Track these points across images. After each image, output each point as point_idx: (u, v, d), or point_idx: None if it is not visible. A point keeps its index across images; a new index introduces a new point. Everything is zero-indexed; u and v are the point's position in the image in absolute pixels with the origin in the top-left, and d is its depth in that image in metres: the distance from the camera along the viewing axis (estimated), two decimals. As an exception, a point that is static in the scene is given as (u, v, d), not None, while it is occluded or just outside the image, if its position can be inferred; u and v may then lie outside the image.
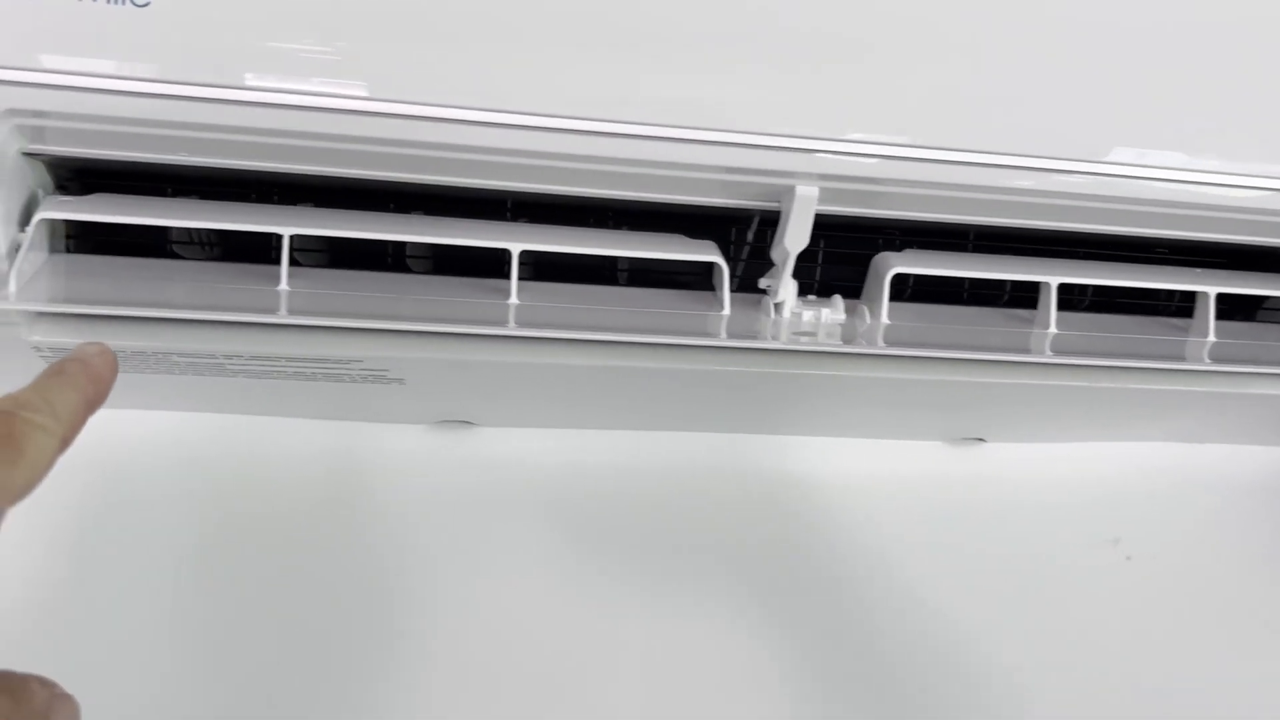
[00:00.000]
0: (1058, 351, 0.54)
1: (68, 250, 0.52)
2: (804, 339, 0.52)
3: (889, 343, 0.52)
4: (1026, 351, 0.54)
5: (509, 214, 0.57)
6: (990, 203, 0.53)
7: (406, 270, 0.57)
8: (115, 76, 0.43)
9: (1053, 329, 0.55)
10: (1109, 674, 0.71)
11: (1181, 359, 0.55)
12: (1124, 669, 0.71)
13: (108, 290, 0.47)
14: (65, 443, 0.33)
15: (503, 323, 0.50)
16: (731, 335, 0.51)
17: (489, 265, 0.55)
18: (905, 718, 0.67)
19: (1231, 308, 0.62)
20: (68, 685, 0.33)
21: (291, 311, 0.47)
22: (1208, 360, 0.56)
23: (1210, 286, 0.58)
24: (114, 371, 0.37)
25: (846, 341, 0.52)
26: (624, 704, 0.64)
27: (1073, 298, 0.64)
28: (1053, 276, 0.56)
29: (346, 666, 0.62)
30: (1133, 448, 0.76)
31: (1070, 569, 0.73)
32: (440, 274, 0.56)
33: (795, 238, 0.51)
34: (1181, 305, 0.63)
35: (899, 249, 0.58)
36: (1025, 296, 0.60)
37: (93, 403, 0.35)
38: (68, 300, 0.45)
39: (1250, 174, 0.54)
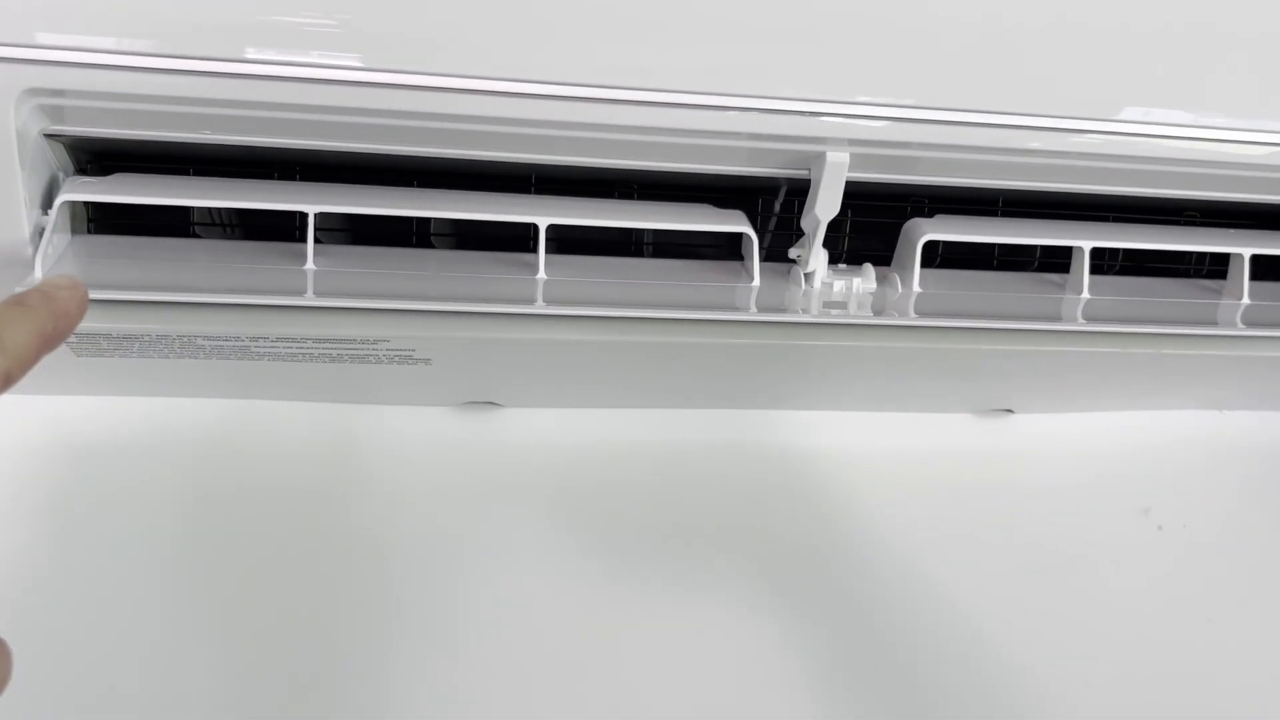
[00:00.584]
0: (1091, 319, 0.53)
1: (89, 232, 0.51)
2: (835, 311, 0.51)
3: (921, 313, 0.52)
4: (1060, 320, 0.53)
5: (533, 188, 0.56)
6: (1020, 166, 0.52)
7: (430, 247, 0.56)
8: (133, 53, 0.42)
9: (1085, 294, 0.55)
10: (1141, 644, 0.70)
11: (1215, 324, 0.54)
12: (1156, 639, 0.71)
13: (132, 274, 0.46)
14: (9, 378, 0.31)
15: (531, 300, 0.49)
16: (762, 309, 0.50)
17: (514, 240, 0.54)
18: (937, 691, 0.67)
19: (1265, 269, 0.61)
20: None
21: (318, 293, 0.47)
22: (1241, 325, 0.55)
23: (1245, 248, 0.58)
24: (81, 307, 0.34)
25: (878, 313, 0.51)
26: (660, 682, 0.64)
27: (1102, 262, 0.63)
28: (1086, 241, 0.55)
29: (384, 646, 0.62)
30: (1163, 417, 0.75)
31: (1101, 540, 0.73)
32: (465, 250, 0.56)
33: (826, 205, 0.50)
34: (1213, 269, 0.63)
35: (927, 216, 0.57)
36: (1054, 262, 0.59)
37: (51, 338, 0.33)
38: (93, 286, 0.44)
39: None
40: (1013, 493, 0.72)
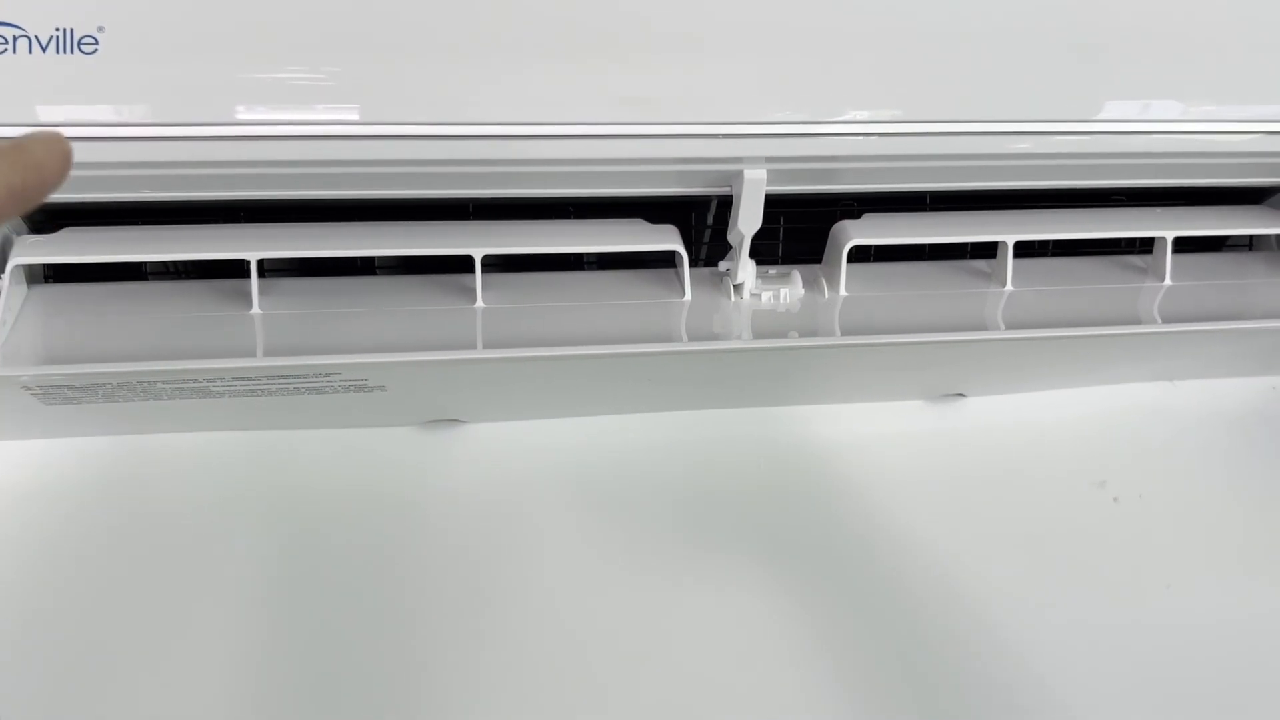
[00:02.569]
0: (1011, 325, 0.55)
1: (46, 277, 0.53)
2: (763, 339, 0.53)
3: (845, 330, 0.53)
4: (982, 327, 0.55)
5: (471, 213, 0.58)
6: (935, 170, 0.54)
7: (374, 270, 0.58)
8: (72, 124, 0.44)
9: (1009, 287, 0.57)
10: (1103, 615, 0.72)
11: (1135, 320, 0.56)
12: (1118, 610, 0.73)
13: (90, 335, 0.49)
14: None
15: (471, 344, 0.51)
16: (693, 338, 0.52)
17: (457, 260, 0.56)
18: (901, 668, 0.69)
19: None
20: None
21: (268, 352, 0.49)
22: (1159, 319, 0.57)
23: (1167, 230, 0.59)
24: (64, 162, 0.31)
25: (805, 333, 0.53)
26: (641, 684, 0.66)
27: (1035, 244, 0.65)
28: (1009, 235, 0.57)
29: (370, 670, 0.64)
30: (1113, 390, 0.77)
31: (1059, 515, 0.75)
32: (408, 272, 0.58)
33: (748, 220, 0.52)
34: (1144, 244, 0.64)
35: (859, 214, 0.59)
36: (988, 246, 0.61)
37: (21, 194, 0.30)
38: (47, 361, 0.47)
39: (1197, 119, 0.55)
40: (969, 475, 0.74)
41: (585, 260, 0.60)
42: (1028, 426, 0.76)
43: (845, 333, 0.53)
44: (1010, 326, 0.55)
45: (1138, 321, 0.56)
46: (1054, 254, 0.64)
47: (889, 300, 0.56)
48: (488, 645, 0.66)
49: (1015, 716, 0.69)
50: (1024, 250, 0.59)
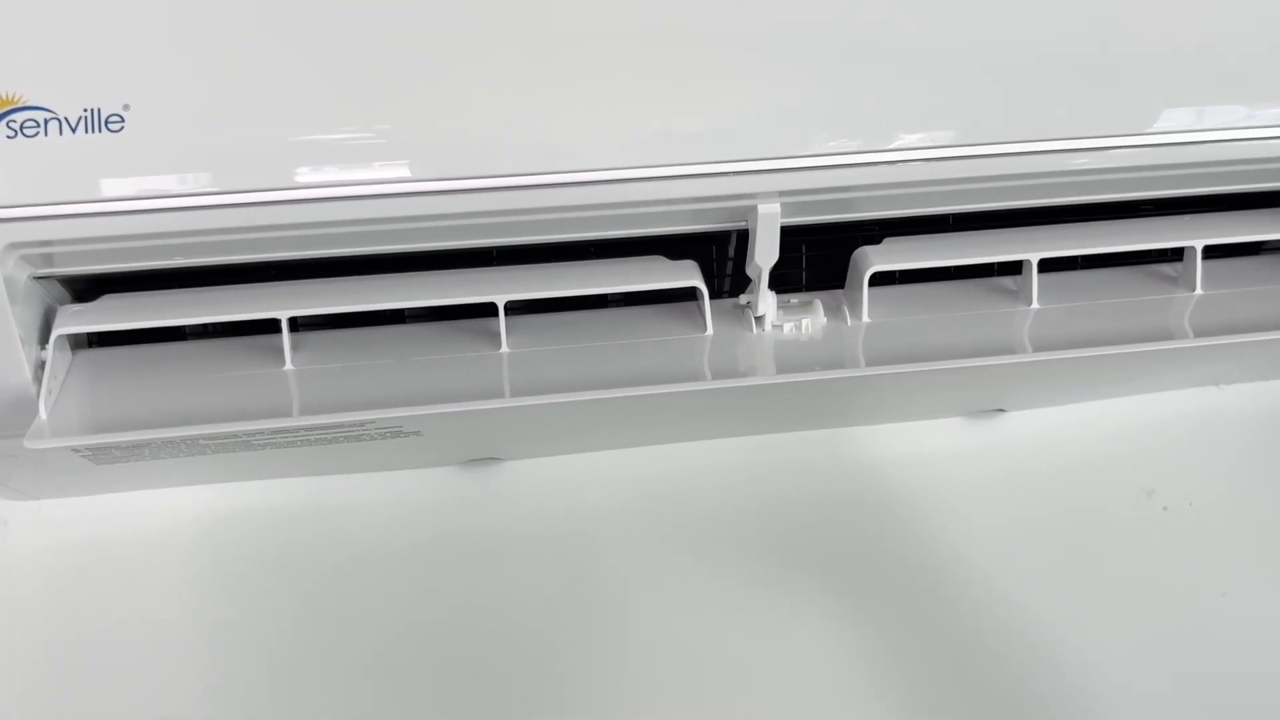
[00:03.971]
0: (1039, 345, 0.54)
1: (90, 342, 0.55)
2: (785, 373, 0.53)
3: (870, 359, 0.54)
4: (1009, 350, 0.54)
5: (494, 257, 0.59)
6: (952, 194, 0.54)
7: (402, 316, 0.60)
8: (104, 199, 0.46)
9: (1035, 305, 0.56)
10: (1158, 625, 0.71)
11: (1166, 334, 0.56)
12: (1173, 619, 0.72)
13: (133, 399, 0.50)
14: None
15: (498, 392, 0.52)
16: (716, 374, 0.53)
17: (482, 305, 0.57)
18: (954, 684, 0.69)
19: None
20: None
21: (303, 411, 0.50)
22: (1190, 332, 0.56)
23: (1197, 240, 0.59)
24: None
25: (829, 365, 0.53)
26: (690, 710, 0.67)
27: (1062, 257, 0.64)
28: (1034, 253, 0.57)
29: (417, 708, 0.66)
30: (1157, 398, 0.76)
31: (1107, 527, 0.74)
32: (435, 317, 0.59)
33: (765, 254, 0.52)
34: (1174, 251, 0.63)
35: (880, 237, 0.59)
36: (1014, 262, 0.61)
37: None
38: (94, 430, 0.49)
39: (1219, 127, 0.54)
40: (1013, 490, 0.74)
41: (609, 298, 0.61)
42: (1071, 438, 0.75)
43: (870, 362, 0.53)
44: (1038, 346, 0.55)
45: (1168, 336, 0.55)
46: (1081, 267, 0.63)
47: (913, 325, 0.56)
48: (538, 679, 0.67)
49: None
50: (1050, 264, 0.58)
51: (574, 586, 0.69)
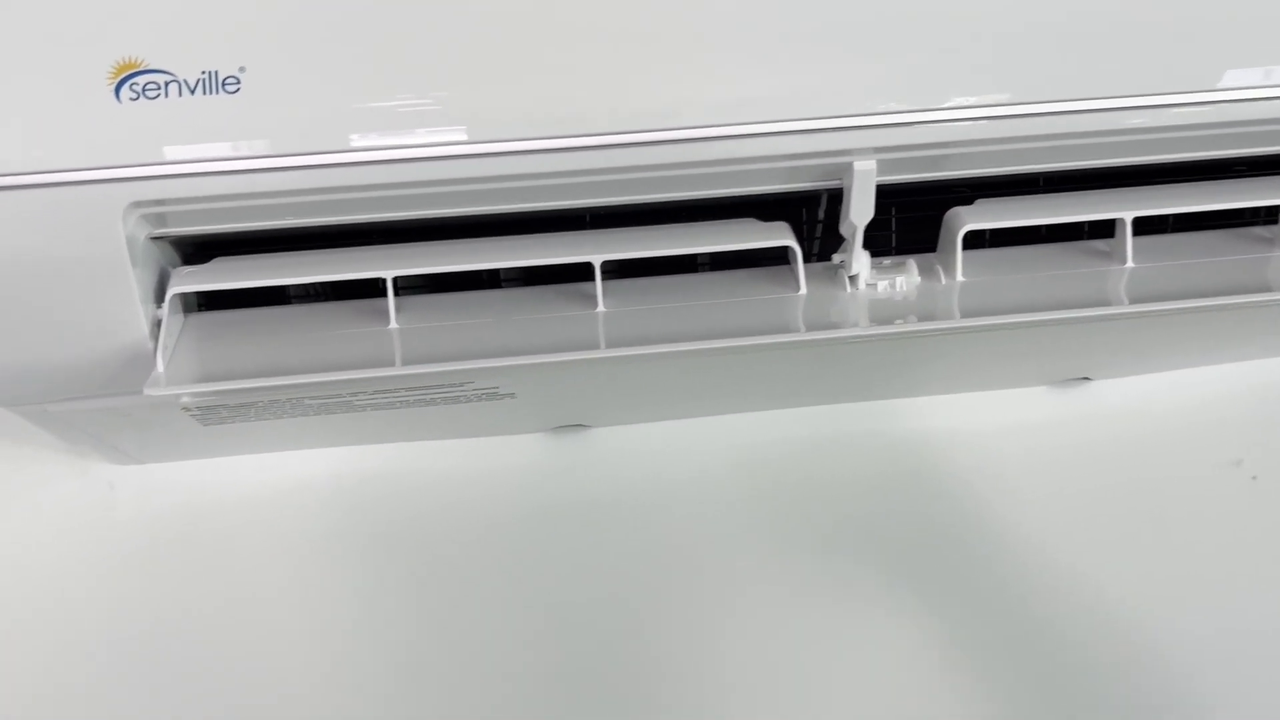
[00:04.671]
0: (1135, 299, 0.54)
1: (199, 305, 0.57)
2: (880, 325, 0.53)
3: (965, 312, 0.54)
4: (1105, 303, 0.54)
5: (588, 221, 0.60)
6: (1050, 150, 0.54)
7: (499, 282, 0.61)
8: (221, 159, 0.48)
9: (1129, 264, 0.56)
10: (1247, 600, 0.71)
11: (1266, 287, 0.55)
12: (1263, 594, 0.71)
13: (243, 357, 0.52)
14: None
15: (594, 344, 0.53)
16: (810, 328, 0.53)
17: (578, 269, 0.58)
18: (1034, 666, 0.68)
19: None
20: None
21: (406, 361, 0.52)
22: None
23: (1291, 197, 0.58)
24: None
25: (924, 317, 0.54)
26: (788, 682, 0.68)
27: (1155, 220, 0.64)
28: (1127, 211, 0.57)
29: (505, 674, 0.67)
30: (1242, 367, 0.75)
31: (1195, 497, 0.73)
32: (531, 283, 0.60)
33: (860, 211, 0.53)
34: (1269, 213, 0.63)
35: (971, 199, 0.59)
36: (1106, 226, 0.60)
37: None
38: (212, 376, 0.50)
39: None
40: (1097, 460, 0.73)
41: (699, 264, 0.62)
42: (1156, 408, 0.75)
43: (965, 316, 0.53)
44: (1135, 299, 0.54)
45: (1267, 288, 0.55)
46: (1175, 229, 0.63)
47: (1007, 284, 0.56)
48: (619, 649, 0.68)
49: (1155, 717, 0.67)
50: (1144, 228, 0.58)
51: (655, 553, 0.70)
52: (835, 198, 0.57)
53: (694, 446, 0.73)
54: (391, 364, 0.51)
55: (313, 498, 0.70)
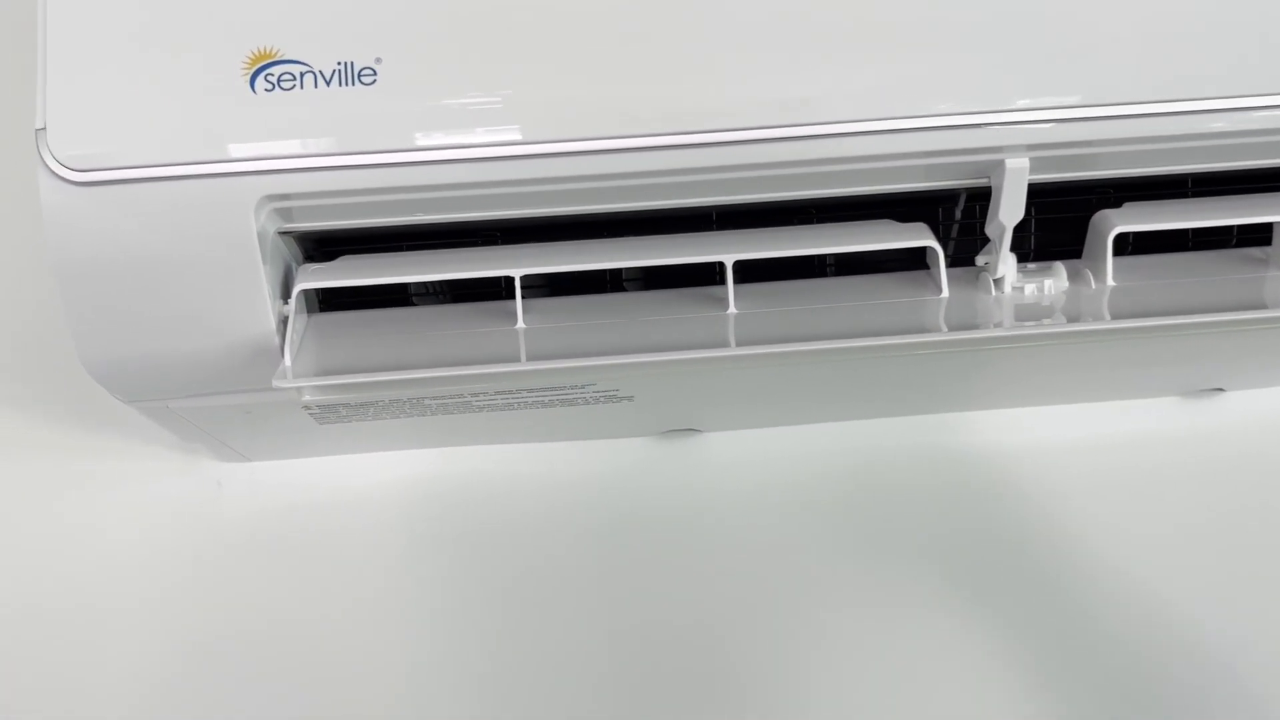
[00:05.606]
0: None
1: (320, 305, 0.56)
2: (1030, 324, 0.51)
3: (1117, 313, 0.51)
4: (1265, 306, 0.52)
5: (714, 223, 0.58)
6: (1204, 149, 0.51)
7: (622, 287, 0.59)
8: (357, 152, 0.47)
9: (1292, 269, 0.53)
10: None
11: None
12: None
13: (367, 354, 0.51)
14: None
15: (725, 342, 0.51)
16: (953, 326, 0.51)
17: (702, 274, 0.56)
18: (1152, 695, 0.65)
19: None
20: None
21: (531, 357, 0.50)
22: None
23: None
24: None
25: (1072, 318, 0.51)
26: (876, 688, 0.66)
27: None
28: (1284, 214, 0.54)
29: (612, 679, 0.66)
30: None
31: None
32: (654, 288, 0.58)
33: (1010, 211, 0.50)
34: None
35: (1114, 204, 0.56)
36: (1256, 236, 0.58)
37: None
38: (339, 371, 0.49)
39: None
40: (1231, 476, 0.70)
41: (828, 267, 0.59)
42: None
43: (1129, 317, 0.51)
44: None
45: None
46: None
47: (1160, 289, 0.53)
48: (728, 653, 0.66)
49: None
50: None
51: (761, 557, 0.68)
52: (973, 196, 0.55)
53: (805, 451, 0.70)
54: (523, 360, 0.50)
55: (416, 497, 0.69)
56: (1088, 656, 0.66)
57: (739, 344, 0.51)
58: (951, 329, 0.51)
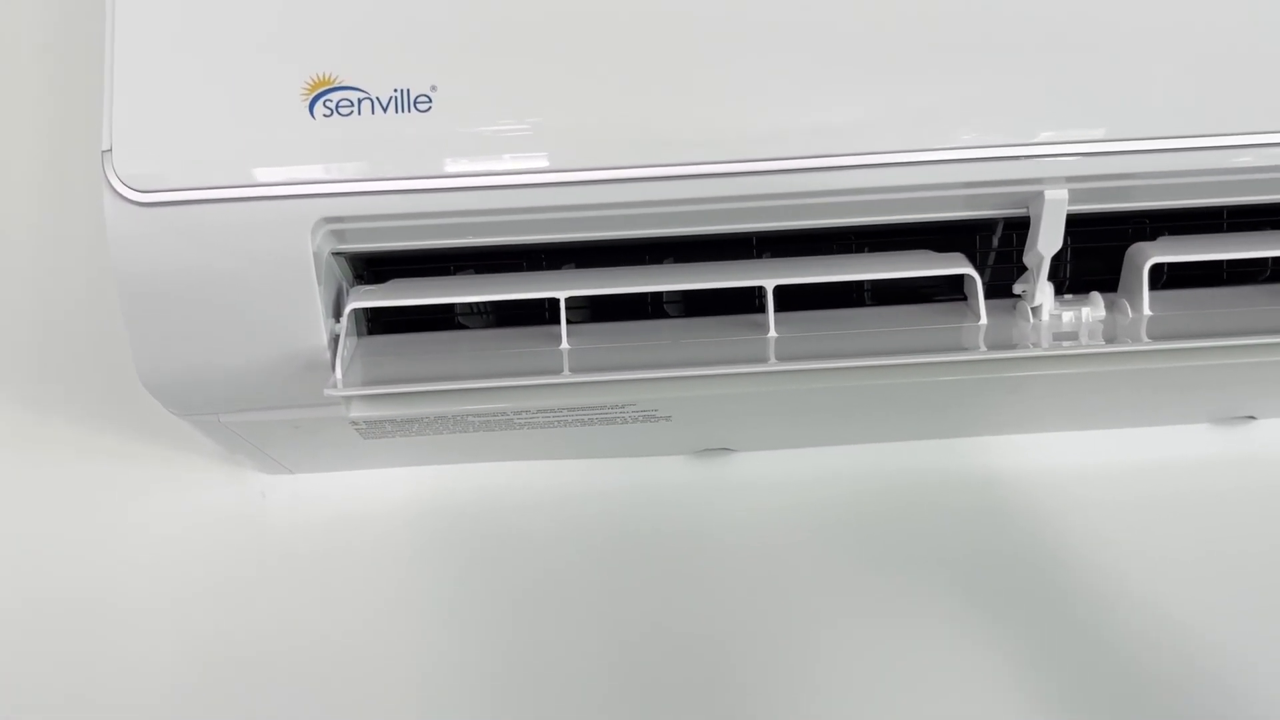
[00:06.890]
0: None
1: (369, 328, 0.57)
2: (1066, 343, 0.52)
3: (1153, 337, 0.52)
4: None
5: (755, 249, 0.59)
6: (1242, 183, 0.52)
7: (664, 313, 0.60)
8: (413, 176, 0.48)
9: (1327, 302, 0.54)
10: None
11: None
12: None
13: (416, 369, 0.52)
14: None
15: (764, 359, 0.52)
16: (992, 347, 0.52)
17: (741, 301, 0.57)
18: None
19: None
20: None
21: (574, 370, 0.51)
22: None
23: None
24: None
25: (1109, 341, 0.52)
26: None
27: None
28: (1323, 247, 0.54)
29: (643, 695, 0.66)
30: None
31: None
32: (694, 314, 0.59)
33: (1048, 241, 0.51)
34: None
35: (1149, 236, 0.57)
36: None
37: None
38: (388, 382, 0.50)
39: None
40: (1262, 504, 0.70)
41: (865, 295, 0.60)
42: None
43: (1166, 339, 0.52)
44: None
45: None
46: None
47: (1196, 318, 0.54)
48: (750, 672, 0.67)
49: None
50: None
51: (784, 576, 0.69)
52: (1011, 225, 0.56)
53: (838, 472, 0.71)
54: (565, 371, 0.51)
55: (456, 511, 0.70)
56: (1115, 684, 0.67)
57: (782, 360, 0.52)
58: (990, 349, 0.52)
